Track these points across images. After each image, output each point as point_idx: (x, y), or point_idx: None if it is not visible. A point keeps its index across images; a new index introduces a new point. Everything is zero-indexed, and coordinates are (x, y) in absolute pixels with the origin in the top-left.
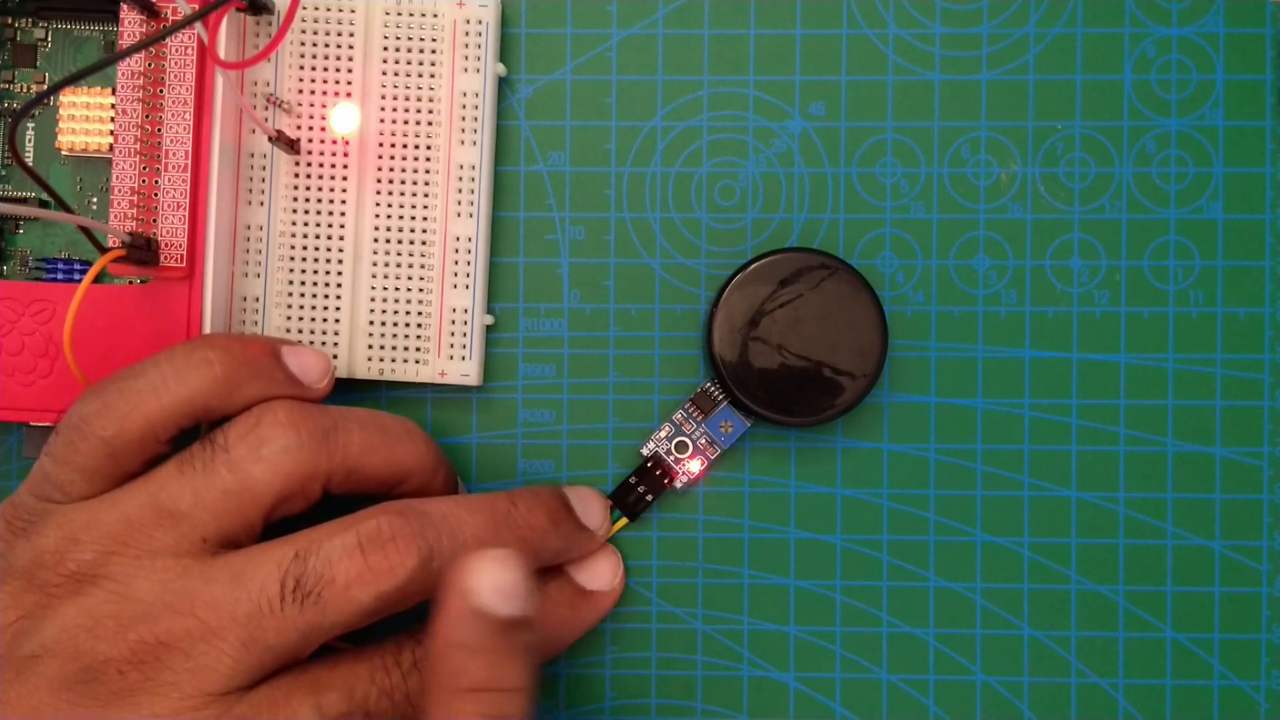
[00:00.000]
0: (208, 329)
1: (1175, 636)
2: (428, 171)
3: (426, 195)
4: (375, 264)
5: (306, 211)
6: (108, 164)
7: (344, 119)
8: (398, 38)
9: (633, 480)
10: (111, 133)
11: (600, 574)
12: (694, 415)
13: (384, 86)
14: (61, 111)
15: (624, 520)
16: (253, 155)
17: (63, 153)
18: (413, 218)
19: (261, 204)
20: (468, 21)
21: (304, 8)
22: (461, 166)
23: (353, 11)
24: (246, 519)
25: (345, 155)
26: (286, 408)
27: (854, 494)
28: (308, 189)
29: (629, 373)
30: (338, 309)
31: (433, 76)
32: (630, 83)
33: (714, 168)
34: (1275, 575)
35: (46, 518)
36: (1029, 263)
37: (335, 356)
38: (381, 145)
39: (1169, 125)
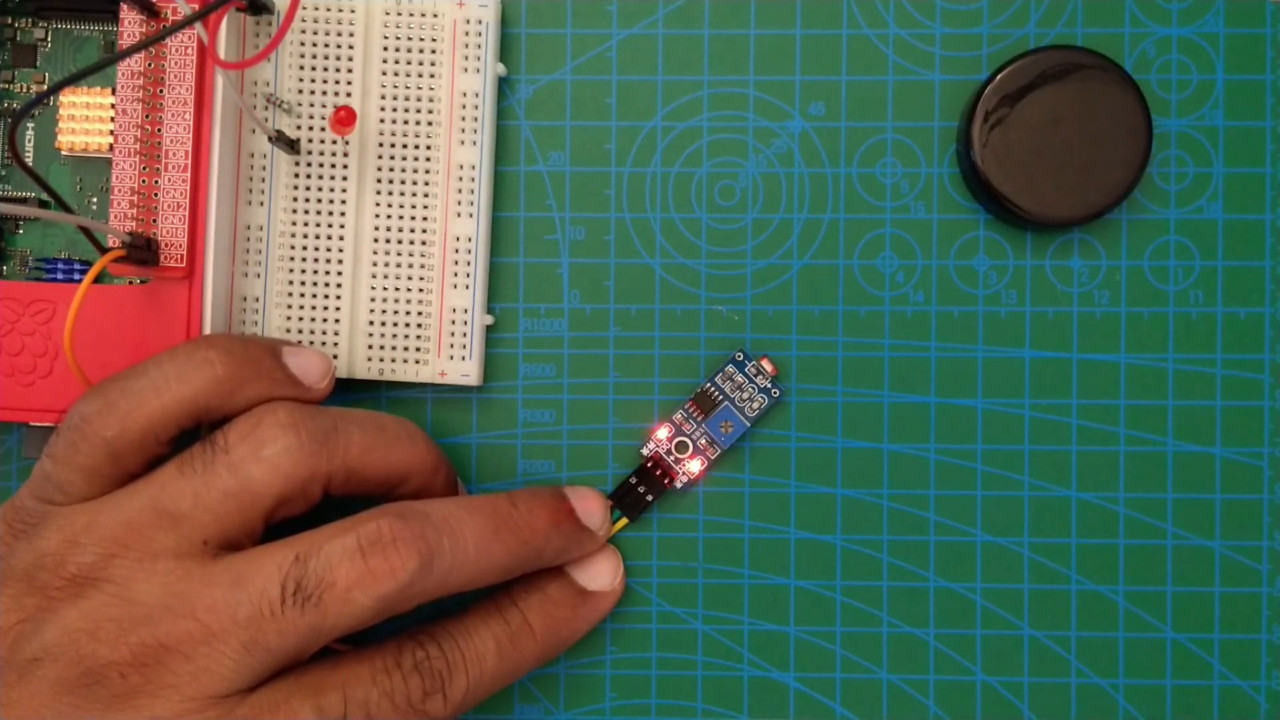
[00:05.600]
0: (208, 329)
1: (1175, 636)
2: (428, 171)
3: (426, 195)
4: (375, 264)
5: (306, 211)
6: (108, 164)
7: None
8: (398, 38)
9: (633, 480)
10: (111, 133)
11: (601, 574)
12: (694, 415)
13: (384, 86)
14: (61, 111)
15: (624, 520)
16: (253, 155)
17: (63, 153)
18: (413, 218)
19: (261, 204)
20: (468, 21)
21: (304, 8)
22: (461, 166)
23: (353, 11)
24: (247, 520)
25: (345, 155)
26: (287, 409)
27: (854, 494)
28: (308, 189)
29: (629, 373)
30: (338, 309)
31: (433, 76)
32: (630, 83)
33: (714, 168)
34: (1275, 575)
35: (47, 520)
36: (1029, 263)
37: (335, 356)
38: (381, 145)
39: (1169, 125)
